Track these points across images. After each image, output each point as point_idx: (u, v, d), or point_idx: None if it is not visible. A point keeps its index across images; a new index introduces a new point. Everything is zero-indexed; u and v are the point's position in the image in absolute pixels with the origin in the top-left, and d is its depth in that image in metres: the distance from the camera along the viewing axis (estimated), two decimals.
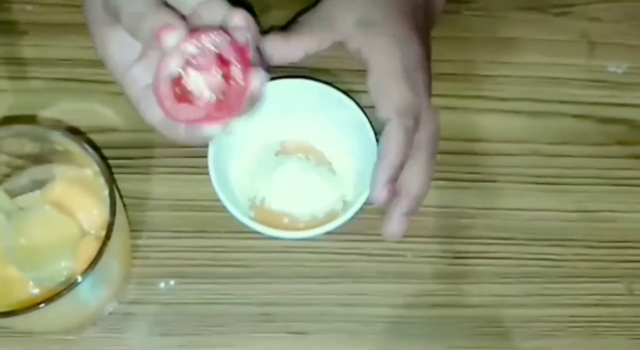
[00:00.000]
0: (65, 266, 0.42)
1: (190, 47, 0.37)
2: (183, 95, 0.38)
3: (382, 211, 0.51)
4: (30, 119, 0.51)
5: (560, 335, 0.49)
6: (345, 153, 0.51)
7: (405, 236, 0.50)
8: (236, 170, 0.50)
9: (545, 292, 0.50)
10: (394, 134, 0.44)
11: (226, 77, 0.38)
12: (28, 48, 0.54)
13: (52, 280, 0.42)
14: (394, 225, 0.45)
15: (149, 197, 0.50)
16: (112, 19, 0.40)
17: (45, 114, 0.52)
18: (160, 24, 0.37)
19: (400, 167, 0.44)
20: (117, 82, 0.42)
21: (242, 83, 0.37)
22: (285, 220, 0.49)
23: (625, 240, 0.52)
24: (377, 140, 0.47)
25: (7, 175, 0.45)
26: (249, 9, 0.39)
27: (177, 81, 0.37)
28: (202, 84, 0.37)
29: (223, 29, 0.38)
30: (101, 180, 0.41)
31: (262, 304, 0.48)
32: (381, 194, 0.44)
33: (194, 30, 0.38)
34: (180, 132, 0.40)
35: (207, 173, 0.46)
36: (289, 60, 0.46)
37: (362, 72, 0.54)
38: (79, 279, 0.37)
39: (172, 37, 0.37)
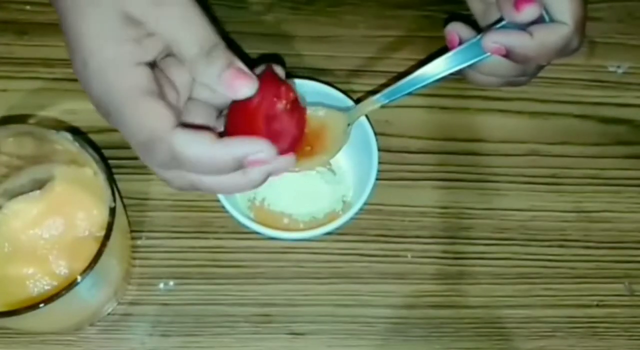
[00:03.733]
0: None
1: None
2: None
3: (381, 212, 0.51)
4: (30, 119, 0.51)
5: (560, 335, 0.49)
6: (345, 153, 0.51)
7: (405, 236, 0.50)
8: None
9: (545, 293, 0.50)
10: (559, 36, 0.43)
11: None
12: (28, 48, 0.54)
13: None
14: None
15: (149, 198, 0.50)
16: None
17: (45, 114, 0.52)
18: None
19: (522, 56, 0.44)
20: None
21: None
22: (285, 220, 0.49)
23: (625, 240, 0.51)
24: (377, 140, 0.47)
25: (7, 175, 0.45)
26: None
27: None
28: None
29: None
30: (101, 180, 0.41)
31: (261, 305, 0.48)
32: (490, 45, 0.44)
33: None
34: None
35: None
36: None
37: (362, 72, 0.55)
38: (79, 279, 0.37)
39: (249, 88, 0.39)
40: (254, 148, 0.37)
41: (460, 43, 0.46)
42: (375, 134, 0.47)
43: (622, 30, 0.58)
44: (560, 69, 0.56)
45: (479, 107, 0.55)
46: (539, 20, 0.44)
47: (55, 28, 0.54)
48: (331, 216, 0.49)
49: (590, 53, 0.57)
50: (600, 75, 0.57)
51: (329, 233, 0.45)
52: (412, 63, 0.55)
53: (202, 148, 0.37)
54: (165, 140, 0.37)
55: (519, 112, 0.55)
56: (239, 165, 0.38)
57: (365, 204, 0.46)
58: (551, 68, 0.56)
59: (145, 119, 0.37)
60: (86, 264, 0.38)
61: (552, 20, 0.44)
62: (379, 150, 0.47)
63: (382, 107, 0.44)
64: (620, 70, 0.57)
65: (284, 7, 0.57)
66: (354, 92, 0.53)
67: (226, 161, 0.37)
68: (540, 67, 0.49)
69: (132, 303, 0.47)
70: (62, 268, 0.43)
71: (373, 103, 0.44)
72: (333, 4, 0.57)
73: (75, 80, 0.52)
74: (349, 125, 0.44)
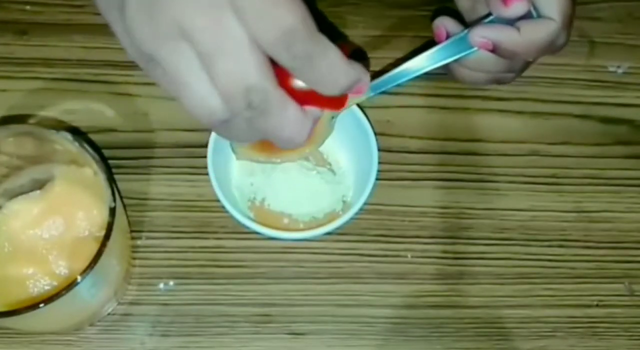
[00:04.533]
0: None
1: None
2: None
3: (381, 212, 0.51)
4: (30, 119, 0.51)
5: (560, 335, 0.49)
6: (345, 153, 0.51)
7: (405, 236, 0.50)
8: (236, 171, 0.50)
9: (545, 293, 0.50)
10: (546, 32, 0.44)
11: None
12: (28, 48, 0.54)
13: None
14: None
15: (149, 197, 0.50)
16: None
17: (45, 114, 0.52)
18: None
19: (509, 51, 0.44)
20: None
21: None
22: (285, 220, 0.49)
23: (625, 240, 0.51)
24: (377, 140, 0.47)
25: (7, 176, 0.45)
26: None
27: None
28: None
29: None
30: (101, 180, 0.41)
31: (261, 305, 0.48)
32: (477, 39, 0.44)
33: None
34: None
35: (206, 173, 0.46)
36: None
37: None
38: (79, 279, 0.37)
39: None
40: (364, 76, 0.36)
41: (448, 37, 0.46)
42: (376, 134, 0.47)
43: (622, 30, 0.58)
44: (560, 69, 0.56)
45: (479, 107, 0.55)
46: (527, 16, 0.44)
47: (55, 28, 0.54)
48: (331, 216, 0.49)
49: (590, 53, 0.57)
50: (600, 75, 0.57)
51: (329, 233, 0.46)
52: None
53: (340, 58, 0.34)
54: (312, 37, 0.32)
55: (519, 112, 0.55)
56: (345, 90, 0.35)
57: (365, 204, 0.46)
58: (551, 68, 0.56)
59: (296, 10, 0.32)
60: (86, 264, 0.38)
61: (539, 16, 0.44)
62: (379, 150, 0.47)
63: (369, 99, 0.43)
64: (620, 70, 0.57)
65: None
66: None
67: (349, 80, 0.35)
68: (527, 65, 0.49)
69: (132, 303, 0.47)
70: (62, 268, 0.43)
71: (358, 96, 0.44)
72: (333, 4, 0.57)
73: (75, 80, 0.53)
74: (332, 117, 0.43)
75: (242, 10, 0.31)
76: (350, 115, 0.48)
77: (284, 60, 0.33)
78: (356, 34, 0.56)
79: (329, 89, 0.35)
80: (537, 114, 0.55)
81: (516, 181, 0.53)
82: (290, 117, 0.35)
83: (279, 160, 0.41)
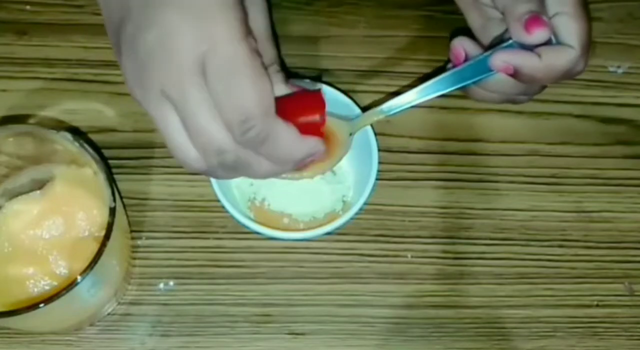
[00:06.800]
0: None
1: None
2: None
3: (381, 212, 0.51)
4: (30, 119, 0.51)
5: (560, 335, 0.49)
6: None
7: (405, 237, 0.50)
8: None
9: (545, 293, 0.50)
10: (566, 60, 0.44)
11: None
12: (28, 48, 0.54)
13: None
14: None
15: (149, 197, 0.50)
16: None
17: (45, 114, 0.52)
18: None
19: (529, 76, 0.45)
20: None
21: None
22: (285, 220, 0.49)
23: (625, 240, 0.51)
24: (377, 140, 0.47)
25: (7, 175, 0.45)
26: None
27: None
28: None
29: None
30: (101, 180, 0.41)
31: (261, 305, 0.48)
32: (499, 64, 0.44)
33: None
34: None
35: None
36: None
37: (362, 72, 0.55)
38: (78, 279, 0.37)
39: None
40: (318, 148, 0.39)
41: (466, 58, 0.46)
42: (375, 134, 0.47)
43: (622, 30, 0.58)
44: None
45: (479, 107, 0.55)
46: (546, 41, 0.44)
47: (55, 28, 0.54)
48: (331, 216, 0.49)
49: (591, 53, 0.57)
50: (600, 75, 0.57)
51: (329, 233, 0.46)
52: (412, 63, 0.55)
53: (292, 138, 0.37)
54: (265, 122, 0.36)
55: (519, 112, 0.55)
56: (299, 163, 0.39)
57: (365, 204, 0.46)
58: None
59: (255, 96, 0.35)
60: (86, 264, 0.38)
61: (558, 42, 0.45)
62: (379, 150, 0.47)
63: (387, 117, 0.44)
64: (620, 70, 0.57)
65: (284, 7, 0.57)
66: (355, 92, 0.53)
67: (301, 154, 0.38)
68: (542, 88, 0.50)
69: (132, 303, 0.47)
70: (62, 268, 0.43)
71: (376, 114, 0.44)
72: (333, 4, 0.57)
73: (75, 80, 0.53)
74: (350, 134, 0.44)
75: (210, 85, 0.35)
76: (351, 115, 0.48)
77: (238, 139, 0.36)
78: (356, 34, 0.56)
79: (281, 163, 0.38)
80: (537, 114, 0.55)
81: (516, 181, 0.53)
82: (264, 166, 0.38)
83: (297, 177, 0.42)
